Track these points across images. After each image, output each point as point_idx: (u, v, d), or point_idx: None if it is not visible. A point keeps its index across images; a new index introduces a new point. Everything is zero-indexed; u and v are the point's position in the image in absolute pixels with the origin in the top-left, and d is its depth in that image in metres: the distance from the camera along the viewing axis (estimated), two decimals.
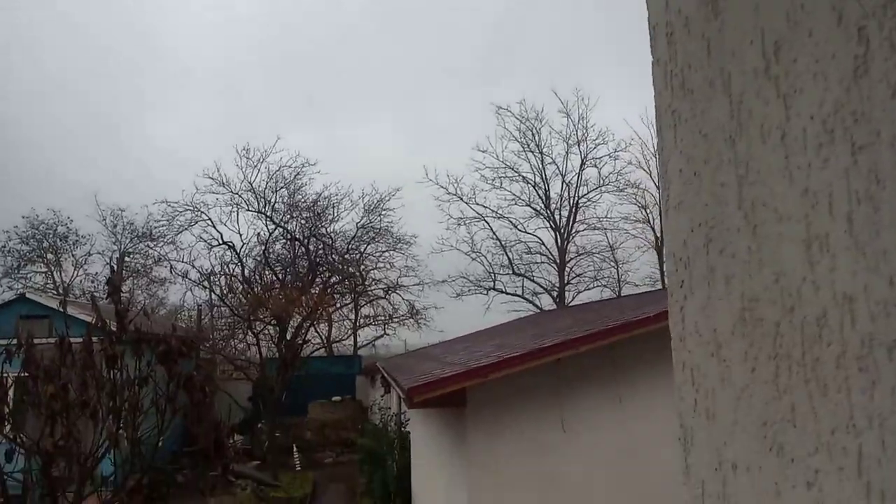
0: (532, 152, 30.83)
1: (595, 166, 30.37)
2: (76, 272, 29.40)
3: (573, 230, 30.69)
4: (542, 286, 30.91)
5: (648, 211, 30.97)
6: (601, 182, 30.22)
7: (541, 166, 30.83)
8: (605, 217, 31.74)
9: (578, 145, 30.46)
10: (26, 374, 8.21)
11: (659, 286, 28.00)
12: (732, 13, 0.78)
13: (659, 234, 30.77)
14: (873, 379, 0.59)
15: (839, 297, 0.63)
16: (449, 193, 30.63)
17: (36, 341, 8.46)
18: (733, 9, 0.78)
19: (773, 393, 0.73)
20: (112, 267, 17.12)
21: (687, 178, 0.89)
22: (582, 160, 30.39)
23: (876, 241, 0.59)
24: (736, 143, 0.78)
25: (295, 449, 19.08)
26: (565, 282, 30.58)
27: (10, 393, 8.50)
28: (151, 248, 27.95)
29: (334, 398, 22.57)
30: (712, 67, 0.82)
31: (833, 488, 0.64)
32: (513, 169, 30.69)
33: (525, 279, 30.84)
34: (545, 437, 7.21)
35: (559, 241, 30.72)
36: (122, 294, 12.03)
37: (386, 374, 11.58)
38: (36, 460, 8.05)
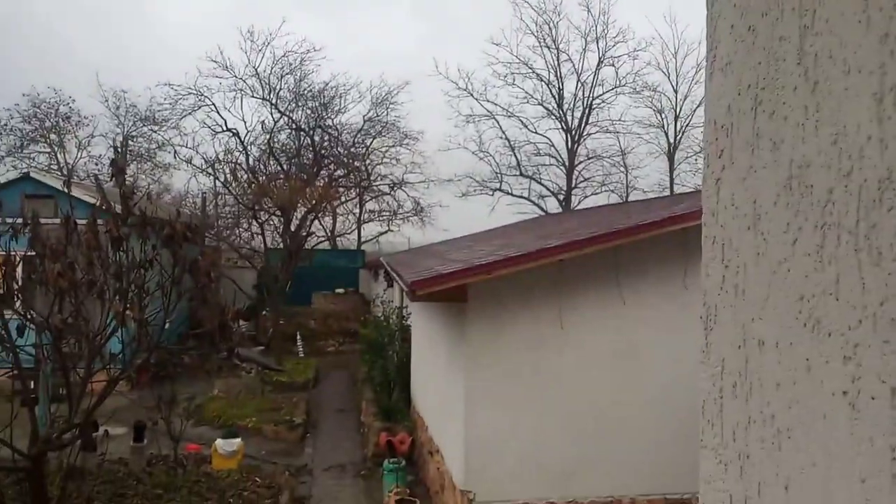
0: (548, 48, 29.78)
1: (612, 65, 29.43)
2: (80, 154, 29.22)
3: (585, 132, 30.13)
4: (549, 189, 30.73)
5: (664, 115, 30.31)
6: (617, 83, 29.37)
7: (556, 63, 29.87)
8: (619, 120, 31.10)
9: (597, 42, 29.39)
10: (33, 253, 8.29)
11: (667, 193, 27.82)
12: None
13: (672, 140, 30.26)
14: None
15: None
16: (459, 88, 29.88)
17: (42, 221, 8.48)
18: None
19: (815, 265, 0.68)
20: (116, 149, 16.95)
21: (739, 34, 0.80)
22: (599, 58, 29.40)
23: None
24: None
25: (298, 337, 19.62)
26: (573, 185, 30.35)
27: (19, 270, 8.61)
28: (155, 133, 27.62)
29: (338, 290, 22.97)
30: None
31: (874, 361, 0.60)
32: (527, 65, 29.77)
33: (532, 181, 30.62)
34: (543, 334, 7.35)
35: (569, 143, 30.23)
36: (126, 177, 11.99)
37: (389, 269, 11.70)
38: (46, 335, 8.27)
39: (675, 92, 30.01)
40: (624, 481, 7.39)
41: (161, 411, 9.46)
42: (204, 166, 23.57)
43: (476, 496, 7.18)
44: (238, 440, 10.11)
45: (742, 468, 0.80)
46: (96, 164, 27.41)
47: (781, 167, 0.73)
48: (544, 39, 29.68)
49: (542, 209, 30.02)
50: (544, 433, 7.28)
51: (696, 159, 29.89)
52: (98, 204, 8.80)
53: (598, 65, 29.36)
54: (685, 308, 7.26)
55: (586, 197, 30.66)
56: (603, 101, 30.00)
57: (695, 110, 29.42)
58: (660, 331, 7.42)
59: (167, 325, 9.14)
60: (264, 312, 19.56)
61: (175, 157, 24.38)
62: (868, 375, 0.61)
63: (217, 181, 21.75)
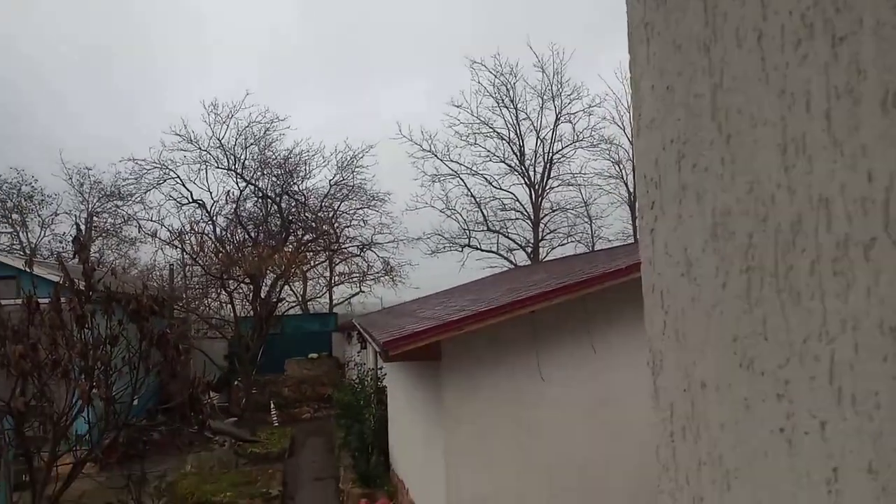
0: (507, 107, 30.58)
1: (569, 121, 30.27)
2: (43, 232, 28.82)
3: (547, 186, 30.70)
4: (516, 242, 31.06)
5: (622, 166, 31.08)
6: (575, 137, 30.16)
7: (515, 122, 30.64)
8: (580, 173, 31.81)
9: (553, 100, 30.27)
10: None
11: (632, 241, 28.29)
12: None
13: (632, 190, 30.93)
14: (848, 281, 0.57)
15: (815, 201, 0.61)
16: (423, 150, 30.38)
17: (3, 302, 8.30)
18: None
19: (744, 307, 0.71)
20: (78, 225, 16.75)
21: (660, 94, 0.85)
22: (556, 115, 30.24)
23: (854, 136, 0.56)
24: (711, 50, 0.75)
25: (272, 405, 19.17)
26: (540, 238, 30.72)
27: None
28: (120, 208, 27.44)
29: (311, 355, 22.63)
30: None
31: (803, 397, 0.63)
32: (487, 125, 30.47)
33: (500, 235, 30.93)
34: (520, 388, 7.30)
35: (533, 197, 30.74)
36: (90, 253, 11.80)
37: (362, 330, 11.60)
38: (8, 420, 7.97)
39: (631, 143, 30.82)
40: None
41: (131, 492, 9.08)
42: (170, 238, 23.38)
43: None
44: None
45: None
46: (60, 242, 27.09)
47: (706, 216, 0.77)
48: (502, 100, 30.52)
49: (511, 262, 30.25)
50: (527, 490, 7.15)
51: None
52: (61, 282, 8.65)
53: (556, 121, 30.22)
54: None
55: (553, 248, 31.06)
56: (563, 156, 30.75)
57: None
58: (635, 378, 7.43)
59: (135, 402, 8.89)
60: (236, 383, 19.13)
61: (140, 231, 24.18)
62: (800, 411, 0.63)
63: (184, 252, 21.55)
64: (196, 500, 11.75)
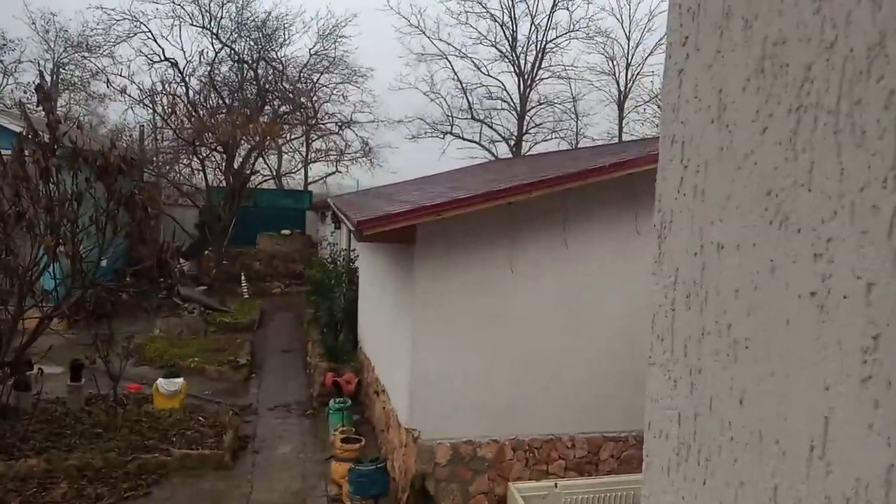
0: None
1: (567, 9, 29.16)
2: (5, 80, 27.50)
3: (537, 77, 29.90)
4: (500, 134, 30.58)
5: (615, 63, 30.28)
6: (571, 27, 29.08)
7: (510, 3, 29.33)
8: (571, 66, 30.99)
9: None
10: None
11: (616, 140, 28.02)
12: None
13: (623, 88, 30.32)
14: None
15: None
16: (411, 25, 29.22)
17: None
18: None
19: (786, 154, 0.61)
20: (42, 73, 15.87)
21: None
22: (554, 0, 28.97)
23: None
24: None
25: (243, 277, 19.28)
26: (524, 131, 30.25)
27: None
28: (88, 60, 26.10)
29: (283, 231, 22.56)
30: None
31: (849, 256, 0.54)
32: (480, 4, 29.15)
33: (483, 125, 30.40)
34: (491, 277, 7.35)
35: (522, 87, 29.98)
36: (56, 105, 11.25)
37: (336, 210, 11.49)
38: None
39: (628, 39, 29.95)
40: (564, 420, 7.57)
41: (99, 350, 9.18)
42: (140, 97, 22.44)
43: (421, 434, 7.26)
44: (180, 380, 9.94)
45: (693, 384, 0.75)
46: (25, 92, 25.85)
47: (754, 47, 0.65)
48: None
49: (492, 154, 29.93)
50: (488, 374, 7.37)
51: (644, 108, 30.13)
52: (24, 132, 8.29)
53: (553, 7, 29.00)
54: (632, 255, 7.35)
55: (537, 143, 30.70)
56: (556, 46, 29.78)
57: (646, 59, 29.50)
58: (605, 276, 7.52)
59: (103, 262, 8.81)
60: (207, 252, 19.06)
61: (108, 87, 23.10)
62: (841, 272, 0.55)
63: (155, 113, 20.77)
64: (164, 363, 11.97)
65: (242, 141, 17.93)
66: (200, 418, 9.46)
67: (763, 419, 0.63)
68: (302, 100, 25.80)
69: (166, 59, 23.97)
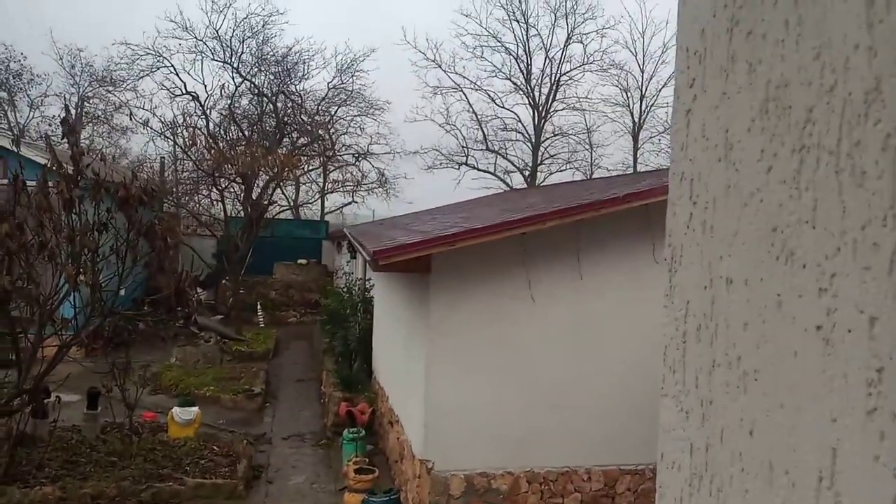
0: (517, 21, 29.59)
1: (581, 42, 29.40)
2: (31, 113, 28.14)
3: (552, 108, 30.12)
4: (514, 164, 30.74)
5: (629, 94, 30.46)
6: (585, 59, 29.35)
7: (525, 38, 29.72)
8: (585, 98, 31.25)
9: (566, 18, 29.29)
10: None
11: (631, 171, 28.06)
12: None
13: (637, 119, 30.44)
14: None
15: None
16: (427, 59, 29.57)
17: None
18: None
19: (790, 192, 0.63)
20: (68, 107, 16.27)
21: None
22: (568, 34, 29.32)
23: None
24: None
25: (259, 307, 19.37)
26: (538, 161, 30.40)
27: None
28: (112, 94, 26.71)
29: (300, 260, 22.71)
30: None
31: (852, 291, 0.55)
32: (495, 38, 29.57)
33: (498, 156, 30.58)
34: (505, 306, 7.35)
35: (536, 118, 30.20)
36: (79, 137, 11.54)
37: (352, 239, 11.57)
38: None
39: (642, 71, 30.14)
40: (579, 452, 7.48)
41: (116, 379, 9.24)
42: (162, 129, 22.90)
43: (435, 465, 7.20)
44: (195, 409, 9.96)
45: (704, 415, 0.76)
46: (49, 125, 26.46)
47: (757, 90, 0.68)
48: (514, 13, 29.51)
49: (507, 184, 30.05)
50: (503, 404, 7.32)
51: (659, 139, 30.20)
52: (48, 164, 8.47)
53: (567, 41, 29.33)
54: (646, 285, 7.32)
55: (551, 174, 30.83)
56: (570, 78, 30.04)
57: (660, 90, 29.65)
58: (620, 306, 7.49)
59: (122, 291, 8.91)
60: (224, 281, 19.21)
61: (131, 119, 23.60)
62: (845, 307, 0.56)
63: (176, 145, 21.14)
64: (179, 392, 12.01)
65: (261, 172, 18.18)
66: (215, 447, 9.45)
67: (773, 450, 0.64)
68: (320, 132, 26.18)
69: (188, 92, 24.51)
